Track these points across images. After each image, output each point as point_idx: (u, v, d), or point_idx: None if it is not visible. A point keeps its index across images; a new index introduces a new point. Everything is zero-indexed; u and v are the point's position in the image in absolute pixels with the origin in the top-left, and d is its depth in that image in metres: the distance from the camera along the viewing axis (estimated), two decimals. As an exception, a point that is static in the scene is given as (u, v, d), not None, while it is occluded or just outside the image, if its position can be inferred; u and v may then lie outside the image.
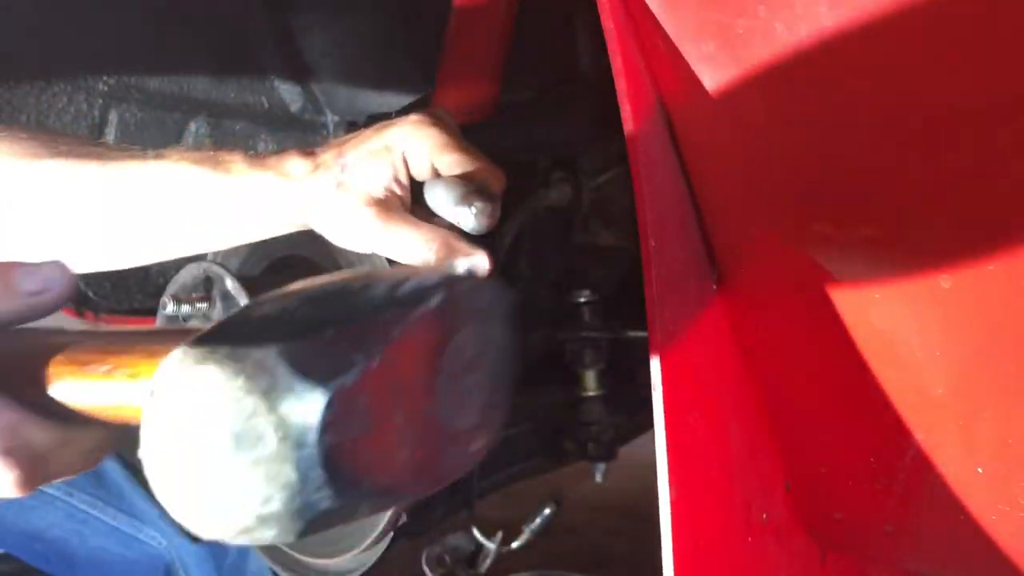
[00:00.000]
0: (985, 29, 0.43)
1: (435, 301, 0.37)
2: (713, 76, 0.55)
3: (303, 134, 1.19)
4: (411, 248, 0.62)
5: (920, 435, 0.60)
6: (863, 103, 0.50)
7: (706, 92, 0.55)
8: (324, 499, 0.34)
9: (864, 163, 0.52)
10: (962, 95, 0.47)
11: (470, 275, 0.41)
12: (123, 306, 1.20)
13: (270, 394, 0.33)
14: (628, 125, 0.58)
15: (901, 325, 0.57)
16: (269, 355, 0.34)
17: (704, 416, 0.62)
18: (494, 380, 0.41)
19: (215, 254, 0.91)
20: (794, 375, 0.67)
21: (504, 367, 0.42)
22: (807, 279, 0.59)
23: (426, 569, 1.07)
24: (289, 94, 1.17)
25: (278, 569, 1.04)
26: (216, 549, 1.06)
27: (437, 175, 0.65)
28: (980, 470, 0.59)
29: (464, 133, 0.67)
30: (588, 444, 1.08)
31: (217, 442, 0.33)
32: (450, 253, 0.63)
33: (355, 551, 0.92)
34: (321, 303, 0.37)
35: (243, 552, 1.12)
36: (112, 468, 1.16)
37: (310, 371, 0.33)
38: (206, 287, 0.87)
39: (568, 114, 0.97)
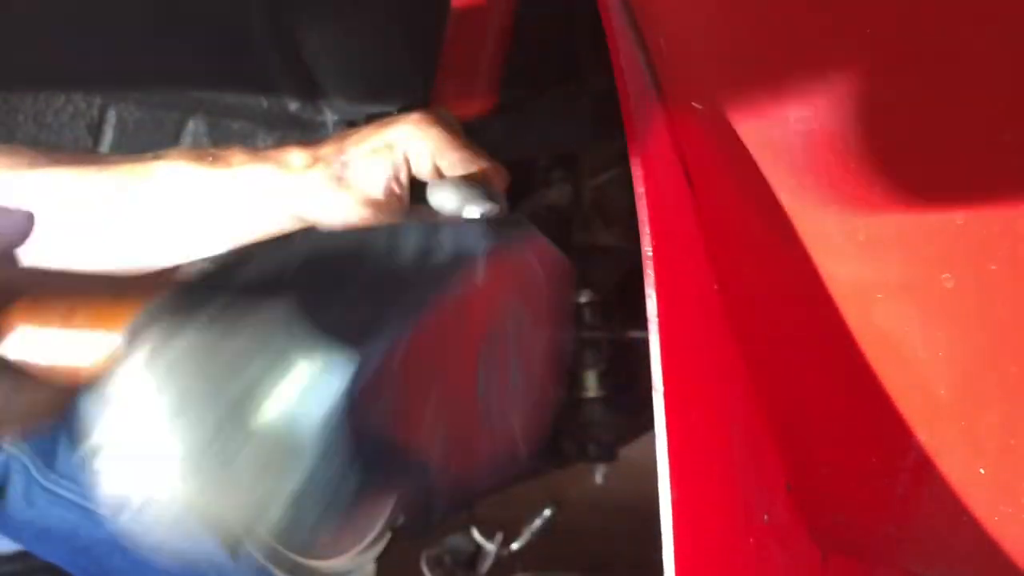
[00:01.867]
0: None
1: (477, 262, 0.31)
2: (713, 76, 0.55)
3: (302, 134, 1.19)
4: None
5: (922, 436, 0.60)
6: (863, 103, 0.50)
7: (706, 92, 0.55)
8: (349, 474, 0.28)
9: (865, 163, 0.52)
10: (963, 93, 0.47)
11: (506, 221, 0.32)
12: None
13: (281, 357, 0.28)
14: (628, 125, 0.58)
15: (904, 325, 0.57)
16: (280, 315, 0.27)
17: (705, 417, 0.62)
18: (541, 370, 0.35)
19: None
20: (796, 375, 0.67)
21: (550, 354, 0.35)
22: (808, 278, 0.59)
23: (425, 570, 1.07)
24: (288, 93, 1.17)
25: (275, 570, 1.03)
26: (253, 562, 1.09)
27: (439, 175, 0.64)
28: (983, 471, 0.59)
29: (465, 132, 0.67)
30: (588, 445, 1.08)
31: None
32: None
33: (352, 552, 0.92)
34: (339, 260, 0.31)
35: None
36: None
37: (334, 334, 0.27)
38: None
39: (568, 114, 0.97)
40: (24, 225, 0.43)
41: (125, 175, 0.66)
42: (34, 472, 1.27)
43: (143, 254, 0.71)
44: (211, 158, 0.65)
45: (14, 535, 1.34)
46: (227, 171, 0.64)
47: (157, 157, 0.66)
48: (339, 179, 0.63)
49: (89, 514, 1.30)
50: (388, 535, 0.91)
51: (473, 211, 0.61)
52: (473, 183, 0.63)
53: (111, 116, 1.05)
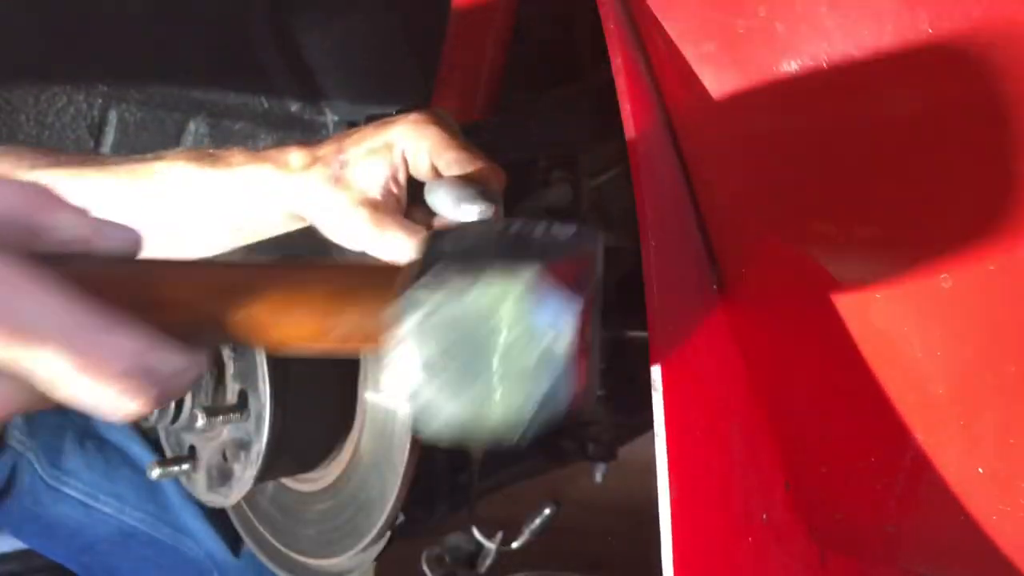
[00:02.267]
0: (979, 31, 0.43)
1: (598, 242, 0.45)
2: (713, 76, 0.55)
3: (303, 134, 1.19)
4: (402, 253, 0.62)
5: (921, 435, 0.60)
6: (863, 105, 0.50)
7: (706, 92, 0.55)
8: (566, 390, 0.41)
9: (864, 164, 0.52)
10: (960, 96, 0.47)
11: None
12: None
13: (535, 304, 0.40)
14: (628, 125, 0.58)
15: (902, 325, 0.57)
16: (532, 273, 0.40)
17: (704, 416, 0.62)
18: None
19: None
20: (795, 375, 0.67)
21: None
22: (808, 279, 0.59)
23: (426, 569, 1.07)
24: (289, 94, 1.17)
25: (276, 569, 1.03)
26: (256, 561, 1.09)
27: (437, 174, 0.64)
28: (981, 470, 0.59)
29: (464, 133, 0.67)
30: (588, 444, 1.08)
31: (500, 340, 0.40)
32: None
33: (353, 551, 0.92)
34: (519, 244, 0.45)
35: None
36: (168, 486, 1.25)
37: (560, 287, 0.40)
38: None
39: (568, 114, 0.97)
40: (135, 240, 0.46)
41: (125, 175, 0.66)
42: (40, 470, 1.27)
43: (143, 254, 0.71)
44: (211, 158, 0.65)
45: (18, 532, 1.34)
46: (227, 171, 0.64)
47: (157, 157, 0.66)
48: (338, 179, 0.63)
49: (94, 512, 1.30)
50: (388, 534, 0.91)
51: (470, 211, 0.61)
52: (470, 183, 0.63)
53: (112, 117, 1.05)
